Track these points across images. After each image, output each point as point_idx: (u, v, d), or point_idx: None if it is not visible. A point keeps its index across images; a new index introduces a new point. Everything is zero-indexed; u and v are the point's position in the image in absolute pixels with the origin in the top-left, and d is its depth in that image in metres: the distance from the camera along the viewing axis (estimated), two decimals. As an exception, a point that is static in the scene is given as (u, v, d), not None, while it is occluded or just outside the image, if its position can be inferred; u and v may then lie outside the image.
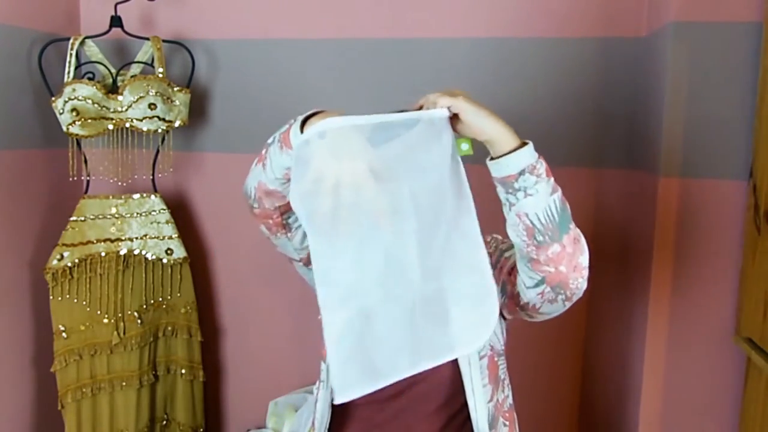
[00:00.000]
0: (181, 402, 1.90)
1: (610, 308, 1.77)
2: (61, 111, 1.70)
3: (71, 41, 1.75)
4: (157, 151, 1.86)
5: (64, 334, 1.75)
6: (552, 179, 0.93)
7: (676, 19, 1.44)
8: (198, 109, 1.94)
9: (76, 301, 1.75)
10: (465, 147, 0.96)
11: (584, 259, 0.97)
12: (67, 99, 1.68)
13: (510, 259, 1.08)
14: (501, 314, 1.12)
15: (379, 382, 0.89)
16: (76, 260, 1.75)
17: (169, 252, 1.83)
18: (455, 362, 1.09)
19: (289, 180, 0.98)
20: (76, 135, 1.72)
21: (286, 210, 1.07)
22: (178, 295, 1.86)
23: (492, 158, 0.93)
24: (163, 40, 1.81)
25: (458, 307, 0.94)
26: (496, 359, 1.14)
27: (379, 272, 0.92)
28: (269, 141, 1.00)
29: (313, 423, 1.20)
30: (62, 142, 1.84)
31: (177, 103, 1.77)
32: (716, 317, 1.47)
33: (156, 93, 1.72)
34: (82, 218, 1.77)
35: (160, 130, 1.76)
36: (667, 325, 1.50)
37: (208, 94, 1.96)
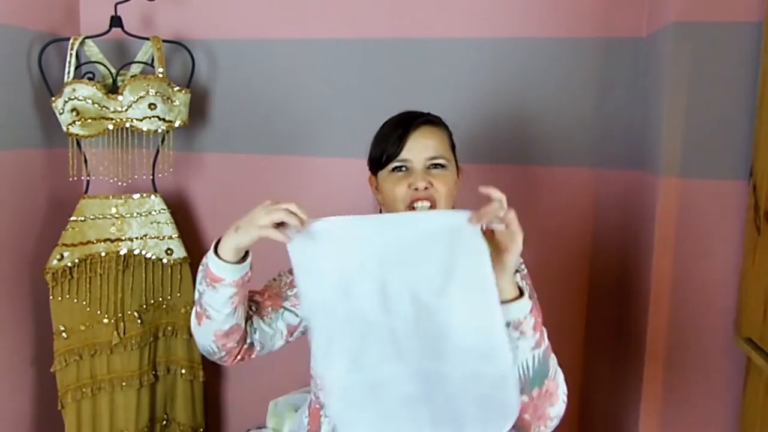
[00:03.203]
0: (181, 402, 1.91)
1: (610, 307, 1.77)
2: (61, 111, 1.70)
3: (71, 41, 1.75)
4: (157, 151, 1.86)
5: (64, 334, 1.75)
6: (538, 333, 0.88)
7: (676, 19, 1.44)
8: (198, 109, 1.94)
9: (76, 301, 1.75)
10: None
11: (553, 410, 0.93)
12: (67, 99, 1.68)
13: None
14: None
15: None
16: (76, 260, 1.75)
17: (169, 252, 1.83)
18: None
19: (235, 308, 0.99)
20: (76, 135, 1.72)
21: (244, 335, 1.08)
22: (178, 295, 1.86)
23: None
24: (163, 40, 1.80)
25: (469, 397, 0.89)
26: None
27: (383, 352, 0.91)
28: (196, 297, 1.02)
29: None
30: (62, 142, 1.84)
31: (177, 103, 1.77)
32: (716, 317, 1.47)
33: (156, 93, 1.72)
34: (82, 218, 1.77)
35: (160, 130, 1.76)
36: (667, 325, 1.50)
37: (208, 94, 1.96)
